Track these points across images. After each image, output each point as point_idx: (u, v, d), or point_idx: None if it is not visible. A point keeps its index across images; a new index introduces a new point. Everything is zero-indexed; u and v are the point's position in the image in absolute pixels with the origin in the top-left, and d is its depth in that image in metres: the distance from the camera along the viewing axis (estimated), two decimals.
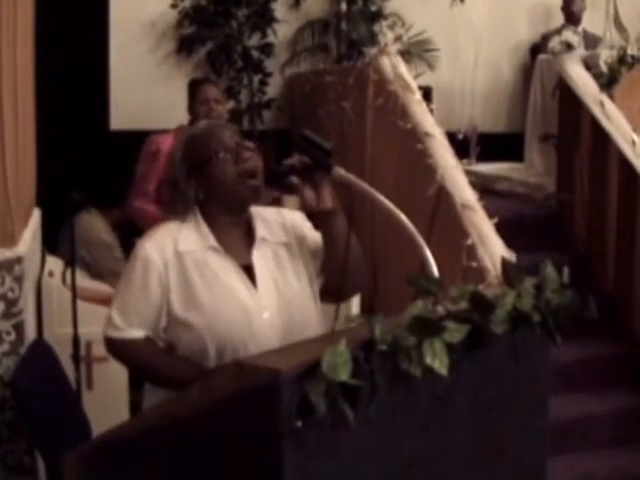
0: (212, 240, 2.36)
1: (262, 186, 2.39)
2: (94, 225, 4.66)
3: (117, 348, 2.38)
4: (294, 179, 2.34)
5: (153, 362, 2.35)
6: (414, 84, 4.87)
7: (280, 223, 2.47)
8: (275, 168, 2.39)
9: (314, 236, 2.47)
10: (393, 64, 4.94)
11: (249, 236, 2.43)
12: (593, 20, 7.04)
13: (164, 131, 4.60)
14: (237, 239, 2.41)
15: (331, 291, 2.43)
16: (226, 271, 2.35)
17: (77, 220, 4.53)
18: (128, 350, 2.36)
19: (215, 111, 4.51)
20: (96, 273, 4.51)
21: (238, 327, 2.30)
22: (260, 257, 2.39)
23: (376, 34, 6.49)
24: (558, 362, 4.27)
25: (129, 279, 2.38)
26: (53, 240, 4.53)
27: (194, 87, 4.70)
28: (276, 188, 2.50)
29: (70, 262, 3.71)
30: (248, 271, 2.37)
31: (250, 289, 2.35)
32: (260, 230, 2.42)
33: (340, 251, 2.32)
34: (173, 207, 2.42)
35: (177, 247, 2.34)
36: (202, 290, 2.32)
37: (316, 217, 2.41)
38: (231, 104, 6.51)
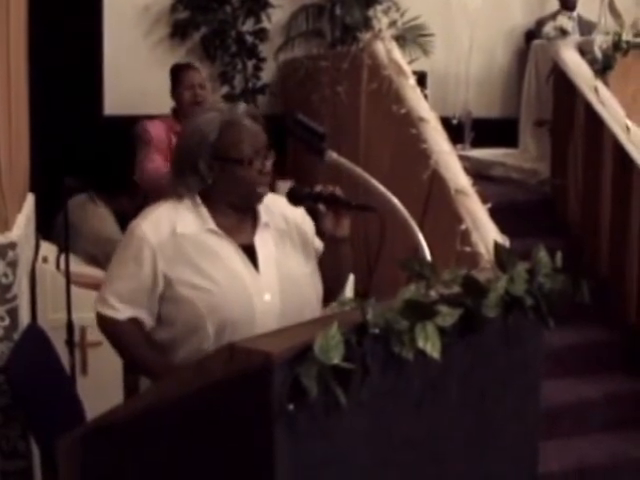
0: (211, 223, 2.38)
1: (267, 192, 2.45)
2: (105, 221, 4.59)
3: (103, 324, 2.45)
4: (321, 207, 2.41)
5: (129, 347, 2.42)
6: (408, 69, 4.86)
7: (281, 213, 2.50)
8: (300, 189, 2.45)
9: (316, 241, 2.54)
10: (387, 49, 4.93)
11: (250, 218, 2.45)
12: (588, 6, 7.01)
13: (152, 117, 4.66)
14: (237, 221, 2.43)
15: None
16: (227, 252, 2.37)
17: (86, 213, 4.53)
18: (113, 329, 2.43)
19: (200, 96, 4.57)
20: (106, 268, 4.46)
21: (239, 308, 2.32)
22: (262, 240, 2.42)
23: (370, 19, 6.45)
24: (550, 346, 4.26)
25: (123, 257, 2.41)
26: (48, 226, 4.52)
27: (178, 73, 4.74)
28: (297, 206, 2.52)
29: (64, 248, 3.71)
30: (249, 253, 2.39)
31: (251, 271, 2.37)
32: (263, 216, 2.44)
33: (338, 271, 2.53)
34: (180, 184, 2.41)
35: (175, 229, 2.35)
36: (203, 270, 2.33)
37: (327, 239, 2.49)
38: (225, 89, 6.52)
